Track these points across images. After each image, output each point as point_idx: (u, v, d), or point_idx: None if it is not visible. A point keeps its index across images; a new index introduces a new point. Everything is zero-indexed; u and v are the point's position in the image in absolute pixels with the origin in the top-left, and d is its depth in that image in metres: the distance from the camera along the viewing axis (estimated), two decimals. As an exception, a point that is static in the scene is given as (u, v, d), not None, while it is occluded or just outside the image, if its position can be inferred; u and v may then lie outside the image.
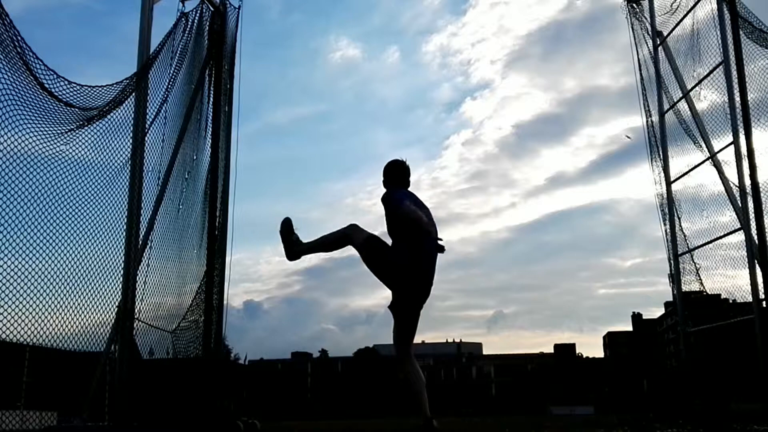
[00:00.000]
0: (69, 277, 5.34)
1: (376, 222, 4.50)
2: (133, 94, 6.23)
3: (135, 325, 6.20)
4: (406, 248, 4.36)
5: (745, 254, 8.17)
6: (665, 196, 10.08)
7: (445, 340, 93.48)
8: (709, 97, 9.16)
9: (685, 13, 9.60)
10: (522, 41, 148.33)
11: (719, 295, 9.07)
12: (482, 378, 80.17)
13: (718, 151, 8.87)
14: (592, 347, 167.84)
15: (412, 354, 4.49)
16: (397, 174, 4.65)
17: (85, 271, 5.52)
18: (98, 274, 5.72)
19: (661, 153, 10.23)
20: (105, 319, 5.89)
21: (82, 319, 5.49)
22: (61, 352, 5.41)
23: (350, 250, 4.47)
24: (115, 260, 6.01)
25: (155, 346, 6.66)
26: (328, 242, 4.58)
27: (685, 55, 9.64)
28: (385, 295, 4.59)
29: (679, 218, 9.86)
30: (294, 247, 4.56)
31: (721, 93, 8.70)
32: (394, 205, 4.32)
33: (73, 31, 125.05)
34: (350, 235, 4.44)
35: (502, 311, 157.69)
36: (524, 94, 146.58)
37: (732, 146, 8.42)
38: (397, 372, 4.59)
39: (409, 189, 4.67)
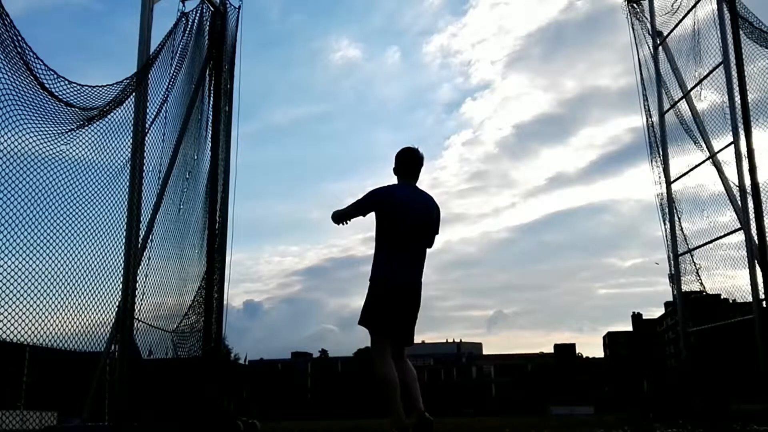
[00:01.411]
0: (69, 277, 5.34)
1: (373, 222, 4.51)
2: (133, 94, 6.22)
3: (135, 325, 6.19)
4: (378, 259, 4.30)
5: (745, 254, 8.17)
6: (665, 196, 10.08)
7: (445, 340, 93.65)
8: (709, 97, 9.17)
9: (685, 13, 9.60)
10: (522, 42, 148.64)
11: (719, 295, 9.07)
12: (482, 378, 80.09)
13: (718, 151, 8.86)
14: (592, 347, 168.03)
15: (403, 356, 4.32)
16: (401, 163, 4.43)
17: (85, 271, 5.52)
18: (98, 274, 5.72)
19: (661, 153, 10.23)
20: (105, 319, 5.89)
21: (82, 319, 5.49)
22: (61, 352, 5.40)
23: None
24: (115, 260, 6.00)
25: (155, 346, 6.65)
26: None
27: (685, 55, 9.64)
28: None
29: (679, 218, 9.86)
30: None
31: (721, 93, 8.71)
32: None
33: (73, 31, 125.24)
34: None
35: (502, 311, 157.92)
36: (524, 95, 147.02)
37: (732, 146, 8.42)
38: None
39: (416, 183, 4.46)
